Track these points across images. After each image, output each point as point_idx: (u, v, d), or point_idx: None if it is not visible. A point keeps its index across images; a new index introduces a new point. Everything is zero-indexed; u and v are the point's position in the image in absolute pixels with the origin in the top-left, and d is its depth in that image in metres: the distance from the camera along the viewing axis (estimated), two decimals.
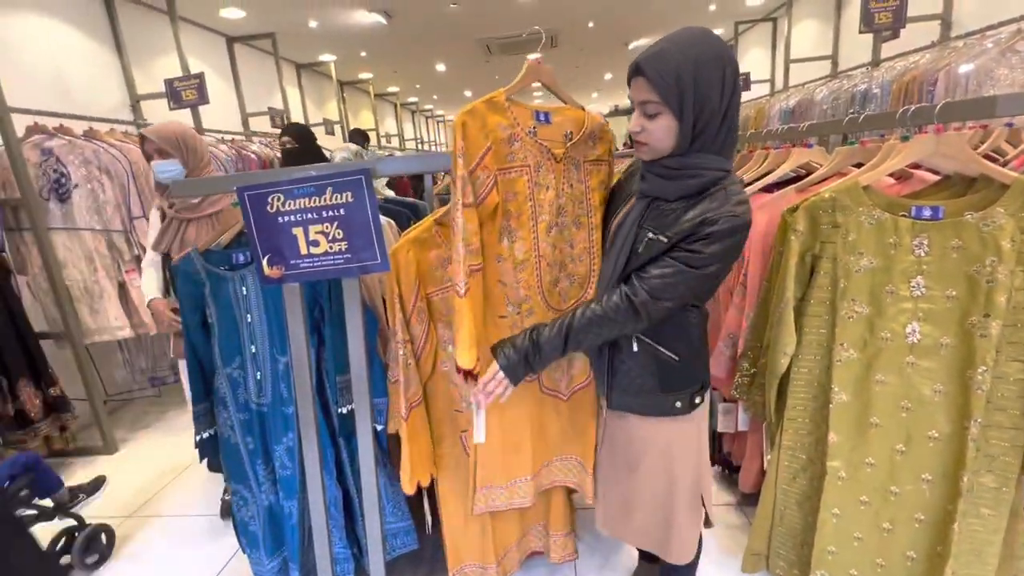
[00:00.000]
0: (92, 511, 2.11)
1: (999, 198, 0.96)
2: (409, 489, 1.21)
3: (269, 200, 1.02)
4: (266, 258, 1.06)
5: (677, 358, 1.04)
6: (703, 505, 1.16)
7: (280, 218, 1.03)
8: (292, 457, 1.38)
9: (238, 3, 4.53)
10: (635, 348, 1.05)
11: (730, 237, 0.91)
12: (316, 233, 1.03)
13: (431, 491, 1.41)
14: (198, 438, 1.42)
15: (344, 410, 1.34)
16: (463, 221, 1.02)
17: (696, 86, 0.88)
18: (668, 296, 0.95)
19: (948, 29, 3.43)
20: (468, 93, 11.42)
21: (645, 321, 0.97)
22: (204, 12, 4.67)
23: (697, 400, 1.09)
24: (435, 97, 11.67)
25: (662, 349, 1.04)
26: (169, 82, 3.38)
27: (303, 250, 1.04)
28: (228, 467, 1.45)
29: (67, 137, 2.58)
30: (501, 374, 1.02)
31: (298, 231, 1.03)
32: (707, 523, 1.20)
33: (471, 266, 1.04)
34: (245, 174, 1.38)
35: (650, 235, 0.97)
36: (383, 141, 8.90)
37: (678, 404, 1.07)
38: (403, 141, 9.93)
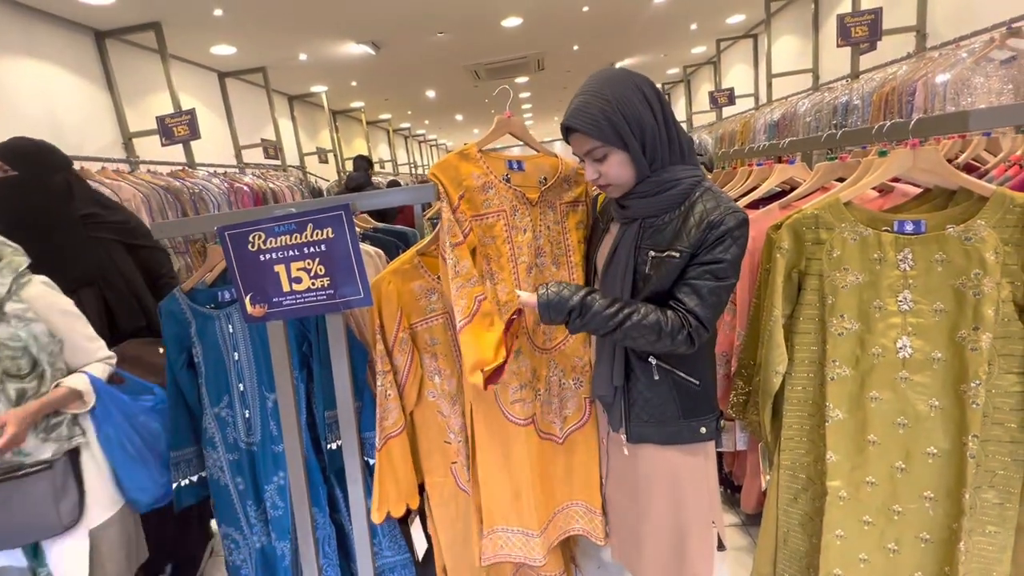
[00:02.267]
0: None
1: (979, 210, 0.96)
2: (377, 519, 1.19)
3: (250, 238, 1.02)
4: (248, 296, 1.05)
5: (698, 383, 1.04)
6: (716, 528, 1.15)
7: (261, 256, 1.03)
8: (283, 496, 1.35)
9: (229, 40, 4.61)
10: (656, 376, 1.03)
11: (740, 232, 0.93)
12: (298, 270, 1.03)
13: (424, 519, 1.38)
14: (176, 484, 1.36)
15: (334, 446, 1.32)
16: (454, 260, 1.04)
17: (625, 116, 0.93)
18: (713, 318, 0.95)
19: (923, 40, 3.50)
20: (459, 117, 11.58)
21: (694, 347, 0.96)
22: (195, 50, 4.76)
23: (720, 423, 1.09)
24: (427, 122, 11.84)
25: (682, 375, 1.03)
26: (161, 119, 3.42)
27: (285, 287, 1.04)
28: (218, 510, 1.41)
29: None
30: (535, 301, 0.98)
31: (280, 268, 1.03)
32: (720, 546, 1.18)
33: (478, 297, 1.06)
34: (225, 214, 1.38)
35: (652, 254, 0.98)
36: (377, 167, 8.99)
37: (703, 430, 1.06)
38: (396, 166, 10.04)
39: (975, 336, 0.97)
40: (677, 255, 0.95)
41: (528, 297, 1.00)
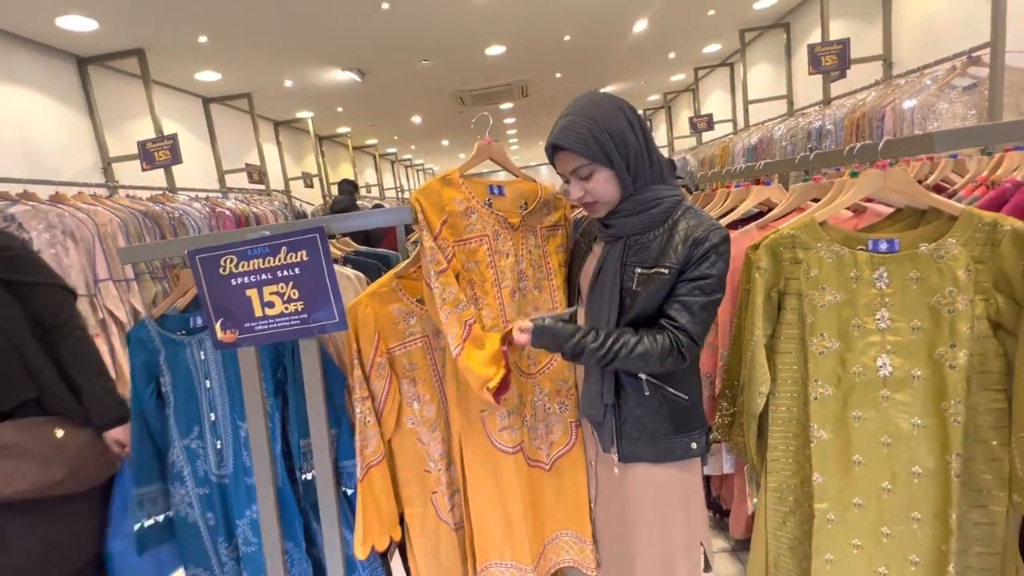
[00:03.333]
0: None
1: (949, 229, 0.98)
2: (361, 554, 1.15)
3: (221, 262, 0.99)
4: (219, 322, 1.02)
5: (687, 398, 1.06)
6: (704, 548, 1.14)
7: (233, 280, 1.00)
8: (257, 531, 1.28)
9: (213, 66, 4.64)
10: (647, 392, 1.04)
11: (724, 247, 0.97)
12: (271, 294, 1.00)
13: (403, 551, 1.32)
14: (139, 526, 1.27)
15: (308, 475, 1.27)
16: (440, 287, 1.04)
17: (611, 135, 0.96)
18: (704, 333, 0.99)
19: (890, 68, 3.65)
20: (445, 142, 11.72)
21: (686, 363, 0.99)
22: (180, 76, 4.77)
23: (709, 438, 1.10)
24: (413, 147, 11.96)
25: (671, 390, 1.04)
26: (142, 144, 3.40)
27: (257, 312, 1.01)
28: (186, 550, 1.34)
29: (31, 203, 2.54)
30: (530, 327, 1.00)
31: (252, 293, 1.00)
32: (707, 567, 1.16)
33: (468, 321, 1.06)
34: (196, 237, 1.36)
35: (639, 270, 1.00)
36: (363, 191, 9.01)
37: (694, 446, 1.07)
38: (383, 191, 10.07)
39: (952, 353, 0.97)
40: (666, 271, 0.98)
41: (522, 336, 1.01)
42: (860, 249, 1.06)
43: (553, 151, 1.01)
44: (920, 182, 1.54)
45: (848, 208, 1.26)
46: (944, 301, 0.98)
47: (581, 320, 1.13)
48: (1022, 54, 2.44)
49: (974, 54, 2.55)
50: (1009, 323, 0.96)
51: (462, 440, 1.15)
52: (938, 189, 1.47)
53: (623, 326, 1.02)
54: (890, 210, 1.20)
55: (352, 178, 8.30)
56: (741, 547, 1.71)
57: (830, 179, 1.28)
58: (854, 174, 1.10)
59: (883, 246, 1.03)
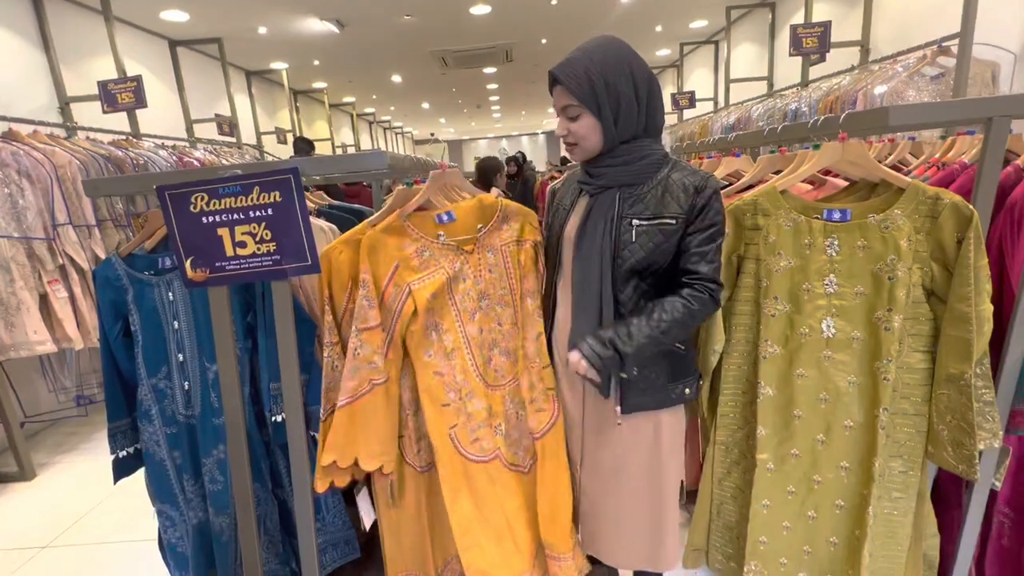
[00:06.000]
0: (2, 542, 1.94)
1: (896, 201, 1.05)
2: (319, 487, 1.14)
3: (192, 199, 0.98)
4: (189, 260, 1.01)
5: (683, 348, 1.11)
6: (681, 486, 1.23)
7: (204, 218, 0.99)
8: (223, 470, 1.31)
9: (181, 5, 4.38)
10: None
11: (720, 193, 1.02)
12: (243, 234, 1.00)
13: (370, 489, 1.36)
14: (114, 457, 1.33)
15: (279, 418, 1.29)
16: (359, 343, 1.07)
17: (607, 85, 0.97)
18: (720, 276, 1.04)
19: (867, 55, 3.72)
20: (426, 105, 11.42)
21: (719, 307, 1.05)
22: (144, 14, 4.49)
23: (699, 383, 1.17)
24: (392, 108, 11.61)
25: (677, 344, 1.09)
26: (103, 84, 3.21)
27: (229, 251, 1.01)
28: (154, 486, 1.36)
29: None
30: (585, 362, 0.99)
31: (223, 232, 1.00)
32: (683, 501, 1.26)
33: (372, 380, 1.09)
34: (166, 173, 1.33)
35: (636, 222, 1.02)
36: (339, 151, 8.76)
37: (687, 391, 1.13)
38: (359, 151, 9.79)
39: (888, 317, 1.05)
40: (673, 221, 1.01)
41: (575, 360, 1.01)
42: (815, 218, 1.12)
43: (552, 82, 1.03)
44: (880, 161, 1.62)
45: (808, 180, 1.32)
46: (885, 268, 1.05)
47: (568, 274, 1.13)
48: (988, 46, 2.53)
49: (943, 44, 2.63)
50: (941, 290, 1.04)
51: (436, 458, 1.16)
52: (895, 169, 1.55)
53: (616, 277, 1.04)
54: (846, 183, 1.26)
55: (328, 136, 8.06)
56: (692, 499, 1.82)
57: (794, 153, 1.33)
58: (816, 147, 1.15)
59: (836, 215, 1.09)
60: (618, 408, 1.11)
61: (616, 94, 0.98)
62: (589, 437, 1.21)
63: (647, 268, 1.04)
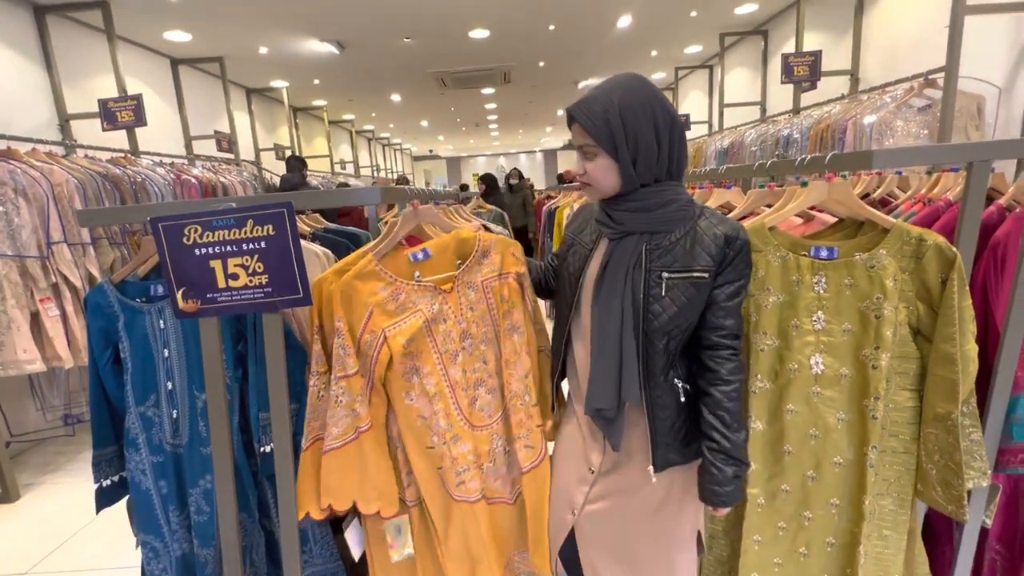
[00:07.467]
0: None
1: (882, 240, 1.06)
2: (299, 515, 1.13)
3: (185, 231, 0.99)
4: (181, 291, 1.02)
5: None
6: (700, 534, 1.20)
7: (197, 250, 1.00)
8: (209, 500, 1.29)
9: (183, 26, 4.44)
10: (682, 399, 1.04)
11: (748, 244, 1.00)
12: (235, 266, 1.00)
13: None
14: (98, 486, 1.31)
15: (267, 448, 1.28)
16: (340, 391, 1.06)
17: (624, 125, 0.93)
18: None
19: (856, 84, 3.80)
20: (424, 123, 11.55)
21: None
22: (147, 33, 4.55)
23: None
24: (391, 126, 11.73)
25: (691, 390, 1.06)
26: (103, 102, 3.25)
27: (221, 283, 1.01)
28: (138, 516, 1.34)
29: None
30: (725, 510, 1.05)
31: (216, 264, 1.00)
32: (701, 550, 1.21)
33: (358, 428, 1.08)
34: (159, 204, 1.33)
35: (666, 275, 0.97)
36: (337, 167, 8.81)
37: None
38: (358, 168, 9.87)
39: (876, 355, 1.06)
40: (706, 274, 0.96)
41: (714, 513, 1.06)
42: (803, 255, 1.13)
43: (571, 120, 0.99)
44: (868, 195, 1.64)
45: (798, 216, 1.34)
46: (872, 307, 1.06)
47: (586, 318, 1.07)
48: (973, 80, 2.59)
49: (930, 76, 2.69)
50: (927, 329, 1.06)
51: (423, 494, 1.15)
52: (883, 203, 1.57)
53: (649, 333, 0.99)
54: (834, 219, 1.28)
55: (327, 153, 8.13)
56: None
57: (783, 187, 1.36)
58: (804, 184, 1.17)
59: (823, 253, 1.11)
60: (651, 468, 1.05)
61: (635, 135, 0.93)
62: (599, 485, 1.15)
63: (679, 324, 0.98)
